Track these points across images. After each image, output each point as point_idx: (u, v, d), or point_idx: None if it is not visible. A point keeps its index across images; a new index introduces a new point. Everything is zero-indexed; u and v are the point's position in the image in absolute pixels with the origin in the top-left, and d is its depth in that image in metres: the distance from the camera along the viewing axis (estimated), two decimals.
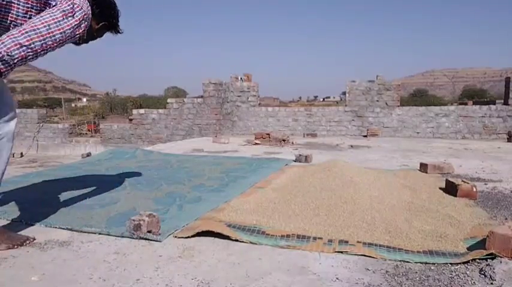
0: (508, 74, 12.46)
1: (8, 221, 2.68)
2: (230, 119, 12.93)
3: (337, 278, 1.84)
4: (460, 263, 1.97)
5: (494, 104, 13.51)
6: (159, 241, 2.29)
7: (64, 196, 3.35)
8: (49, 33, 1.88)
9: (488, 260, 1.95)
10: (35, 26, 1.86)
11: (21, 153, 12.79)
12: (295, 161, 5.47)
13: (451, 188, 3.49)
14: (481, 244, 2.11)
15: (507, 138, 9.85)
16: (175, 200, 3.24)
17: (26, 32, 1.83)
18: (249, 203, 3.09)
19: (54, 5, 1.97)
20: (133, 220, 2.33)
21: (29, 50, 1.83)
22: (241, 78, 13.59)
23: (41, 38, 1.86)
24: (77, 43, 2.24)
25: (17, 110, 10.56)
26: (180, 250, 2.19)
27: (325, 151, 7.34)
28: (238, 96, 13.20)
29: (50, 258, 2.08)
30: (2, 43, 1.77)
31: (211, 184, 3.87)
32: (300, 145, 8.40)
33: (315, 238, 2.33)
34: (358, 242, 2.26)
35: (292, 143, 8.83)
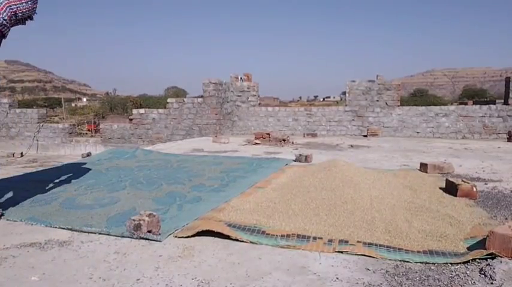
0: (508, 74, 12.44)
1: (8, 221, 2.68)
2: (230, 119, 12.93)
3: (337, 278, 1.84)
4: (460, 263, 1.97)
5: (494, 103, 13.50)
6: (159, 241, 2.29)
7: (64, 195, 3.35)
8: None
9: (488, 260, 1.95)
10: None
11: (21, 153, 12.78)
12: (295, 161, 5.47)
13: (451, 188, 3.49)
14: (481, 244, 2.11)
15: (507, 138, 9.84)
16: (175, 200, 3.24)
17: None
18: (249, 203, 3.09)
19: None
20: (134, 220, 2.33)
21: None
22: (241, 78, 13.59)
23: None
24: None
25: (17, 110, 10.52)
26: (180, 249, 2.19)
27: (325, 150, 7.34)
28: (238, 96, 13.20)
29: (50, 258, 2.08)
30: None
31: (211, 184, 3.87)
32: (300, 145, 8.40)
33: (315, 238, 2.33)
34: (358, 242, 2.26)
35: (292, 143, 8.83)
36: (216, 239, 2.33)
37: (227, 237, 2.32)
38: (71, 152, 13.28)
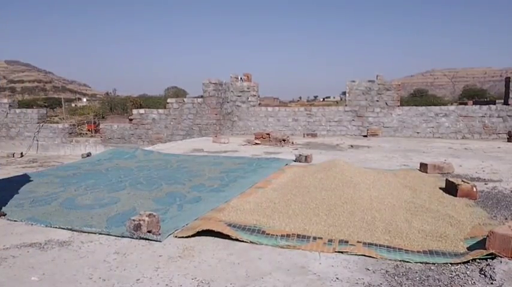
0: (508, 74, 12.44)
1: (8, 221, 2.68)
2: (230, 119, 12.93)
3: (337, 278, 1.84)
4: (460, 263, 1.97)
5: (494, 104, 13.50)
6: (159, 241, 2.29)
7: (64, 195, 3.35)
8: None
9: (488, 260, 1.95)
10: None
11: (21, 153, 12.78)
12: (295, 161, 5.47)
13: (451, 188, 3.48)
14: (481, 244, 2.11)
15: (507, 138, 9.84)
16: (175, 200, 3.24)
17: None
18: (249, 203, 3.09)
19: None
20: (134, 220, 2.33)
21: None
22: (241, 78, 13.59)
23: None
24: None
25: (17, 110, 10.51)
26: (180, 249, 2.19)
27: (325, 150, 7.34)
28: (238, 96, 13.21)
29: (50, 258, 2.08)
30: None
31: (211, 184, 3.87)
32: (300, 145, 8.40)
33: (315, 238, 2.33)
34: (358, 242, 2.26)
35: (292, 143, 8.83)
36: (216, 239, 2.33)
37: (227, 237, 2.32)
38: (70, 152, 13.28)
